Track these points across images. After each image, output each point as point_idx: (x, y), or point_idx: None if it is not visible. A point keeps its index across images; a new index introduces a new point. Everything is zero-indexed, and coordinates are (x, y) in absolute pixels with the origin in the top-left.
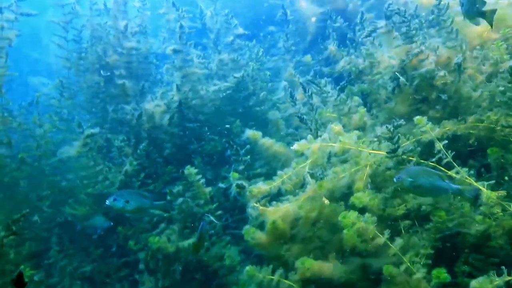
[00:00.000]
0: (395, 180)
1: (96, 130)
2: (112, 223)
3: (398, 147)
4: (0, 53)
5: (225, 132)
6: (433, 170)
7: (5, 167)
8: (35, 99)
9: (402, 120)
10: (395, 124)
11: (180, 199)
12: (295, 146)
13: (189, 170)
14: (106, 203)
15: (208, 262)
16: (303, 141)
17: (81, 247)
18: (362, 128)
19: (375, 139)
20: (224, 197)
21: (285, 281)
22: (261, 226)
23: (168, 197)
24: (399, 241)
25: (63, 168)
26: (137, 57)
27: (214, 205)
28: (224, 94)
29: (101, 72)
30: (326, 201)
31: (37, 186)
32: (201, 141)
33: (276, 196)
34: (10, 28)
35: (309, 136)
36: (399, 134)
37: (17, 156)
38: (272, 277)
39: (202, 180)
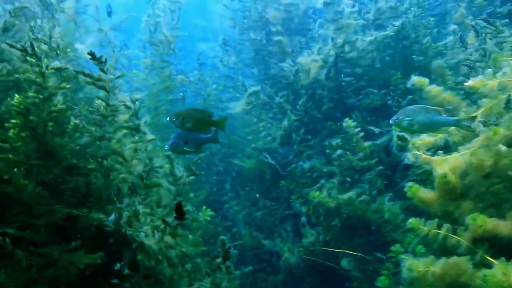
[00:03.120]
0: (391, 122)
1: (257, 88)
2: None
3: None
4: (173, 16)
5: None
6: (429, 106)
7: None
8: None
9: None
10: None
11: (339, 151)
12: (470, 82)
13: (348, 122)
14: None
15: (369, 217)
16: (479, 77)
17: (248, 195)
18: None
19: None
20: (384, 153)
21: (454, 236)
22: (425, 182)
23: (328, 150)
24: None
25: (231, 124)
26: (296, 13)
27: (374, 160)
28: (382, 44)
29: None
30: (503, 148)
31: None
32: (359, 95)
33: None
34: None
35: (488, 70)
36: None
37: None
38: (439, 231)
39: (361, 134)
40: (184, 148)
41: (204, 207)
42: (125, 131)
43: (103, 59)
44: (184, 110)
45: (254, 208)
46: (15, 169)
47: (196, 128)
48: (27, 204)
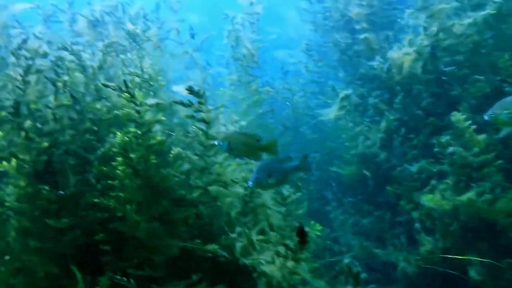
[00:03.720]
0: (486, 117)
1: (349, 91)
2: None
3: None
4: (252, 28)
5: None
6: None
7: (273, 134)
8: (283, 68)
9: None
10: None
11: (450, 148)
12: None
13: (456, 116)
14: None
15: (495, 218)
16: None
17: (353, 203)
18: None
19: None
20: (502, 145)
21: None
22: None
23: (436, 149)
24: None
25: (324, 130)
26: (380, 5)
27: (491, 155)
28: (482, 25)
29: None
30: None
31: (303, 149)
32: (463, 85)
33: None
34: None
35: None
36: None
37: (279, 122)
38: None
39: (473, 127)
40: (269, 182)
41: (312, 221)
42: (226, 154)
43: (201, 92)
44: (230, 133)
45: (360, 216)
46: (127, 206)
47: (244, 153)
48: (141, 240)
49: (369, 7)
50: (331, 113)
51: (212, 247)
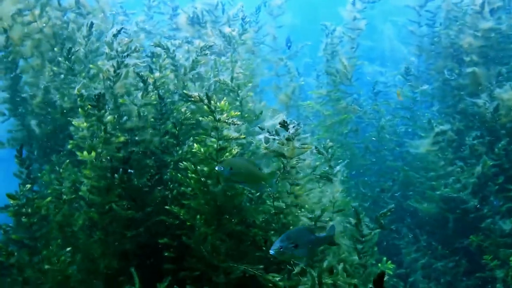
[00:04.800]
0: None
1: (447, 126)
2: None
3: None
4: (352, 44)
5: None
6: None
7: (354, 155)
8: (374, 88)
9: None
10: None
11: None
12: None
13: None
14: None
15: None
16: None
17: (428, 242)
18: None
19: None
20: None
21: None
22: None
23: None
24: None
25: (407, 159)
26: (497, 38)
27: None
28: None
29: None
30: None
31: (380, 174)
32: None
33: None
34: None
35: None
36: None
37: (361, 143)
38: None
39: None
40: (294, 253)
41: (384, 258)
42: (310, 177)
43: (296, 127)
44: (232, 159)
45: (433, 257)
46: (198, 217)
47: (245, 180)
48: (205, 255)
49: (484, 39)
50: (422, 146)
51: (274, 279)
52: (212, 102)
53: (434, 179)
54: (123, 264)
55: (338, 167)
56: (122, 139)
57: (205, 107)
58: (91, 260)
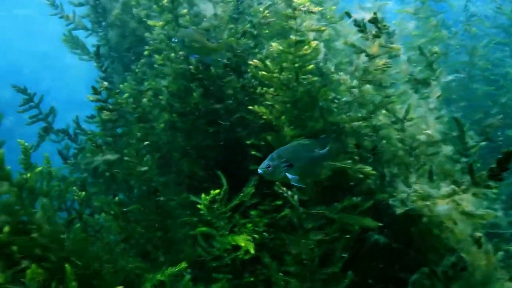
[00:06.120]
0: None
1: None
2: None
3: None
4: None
5: None
6: None
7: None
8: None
9: None
10: None
11: None
12: None
13: None
14: None
15: None
16: None
17: None
18: None
19: None
20: None
21: None
22: None
23: None
24: None
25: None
26: None
27: None
28: None
29: None
30: None
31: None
32: None
33: None
34: None
35: None
36: None
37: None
38: None
39: None
40: (287, 173)
41: None
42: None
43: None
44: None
45: None
46: (282, 118)
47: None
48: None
49: None
50: None
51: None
52: None
53: None
54: (207, 173)
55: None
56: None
57: None
58: (175, 164)
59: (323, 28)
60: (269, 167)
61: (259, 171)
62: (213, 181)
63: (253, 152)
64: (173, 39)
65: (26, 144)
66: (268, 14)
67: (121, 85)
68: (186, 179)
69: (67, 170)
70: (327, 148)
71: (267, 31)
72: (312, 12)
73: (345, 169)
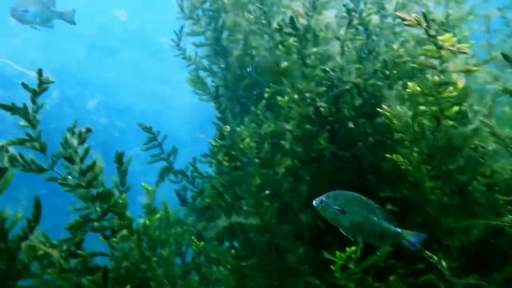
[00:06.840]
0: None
1: None
2: None
3: None
4: None
5: None
6: None
7: None
8: None
9: None
10: None
11: None
12: None
13: None
14: None
15: None
16: None
17: None
18: None
19: None
20: None
21: None
22: None
23: None
24: None
25: None
26: None
27: None
28: None
29: None
30: None
31: None
32: None
33: None
34: None
35: None
36: None
37: None
38: None
39: None
40: (338, 218)
41: None
42: None
43: None
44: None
45: None
46: (422, 167)
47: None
48: (431, 216)
49: None
50: None
51: None
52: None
53: None
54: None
55: None
56: (322, 74)
57: (423, 30)
58: (293, 212)
59: (474, 68)
60: (321, 203)
61: (314, 203)
62: (336, 235)
63: (389, 207)
64: (248, 69)
65: (150, 187)
66: (402, 53)
67: (237, 128)
68: (305, 231)
69: (182, 213)
70: (401, 229)
71: (395, 72)
72: (463, 53)
73: (503, 229)
